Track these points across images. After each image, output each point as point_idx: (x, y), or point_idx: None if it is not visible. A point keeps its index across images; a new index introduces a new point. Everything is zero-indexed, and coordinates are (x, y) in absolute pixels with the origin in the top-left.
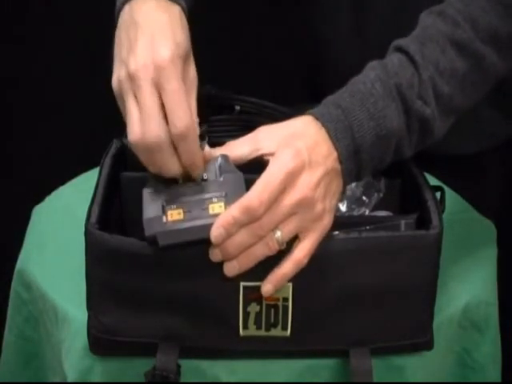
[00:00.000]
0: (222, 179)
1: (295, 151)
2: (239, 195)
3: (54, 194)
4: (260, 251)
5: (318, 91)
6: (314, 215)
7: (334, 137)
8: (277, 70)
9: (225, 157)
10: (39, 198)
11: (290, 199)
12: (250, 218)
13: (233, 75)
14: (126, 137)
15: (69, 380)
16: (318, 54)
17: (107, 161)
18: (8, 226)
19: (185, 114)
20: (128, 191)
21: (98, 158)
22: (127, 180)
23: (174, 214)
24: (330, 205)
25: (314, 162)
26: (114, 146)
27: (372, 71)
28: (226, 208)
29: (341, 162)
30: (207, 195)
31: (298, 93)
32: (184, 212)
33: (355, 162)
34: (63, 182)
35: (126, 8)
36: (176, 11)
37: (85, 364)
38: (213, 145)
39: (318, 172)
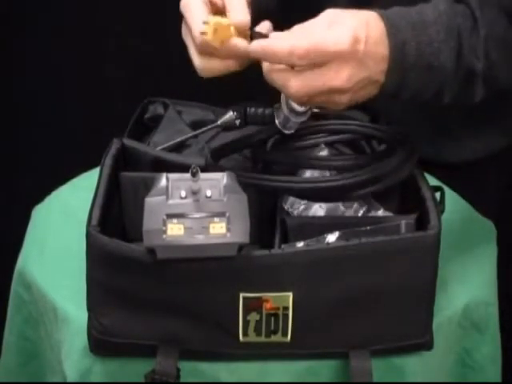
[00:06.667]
0: (225, 199)
1: (356, 38)
2: (242, 217)
3: (53, 193)
4: None
5: None
6: (336, 98)
7: (394, 47)
8: None
9: (231, 175)
10: (39, 198)
11: (324, 80)
12: (282, 60)
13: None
14: (126, 136)
15: (69, 380)
16: None
17: (107, 161)
18: (8, 226)
19: None
20: (128, 191)
21: (98, 158)
22: (127, 180)
23: (175, 229)
24: (351, 100)
25: (364, 61)
26: (114, 146)
27: (442, 5)
28: (227, 229)
29: (386, 77)
30: (209, 214)
31: None
32: (185, 228)
33: (399, 81)
34: (63, 182)
35: None
36: None
37: (85, 364)
38: None
39: (363, 73)
